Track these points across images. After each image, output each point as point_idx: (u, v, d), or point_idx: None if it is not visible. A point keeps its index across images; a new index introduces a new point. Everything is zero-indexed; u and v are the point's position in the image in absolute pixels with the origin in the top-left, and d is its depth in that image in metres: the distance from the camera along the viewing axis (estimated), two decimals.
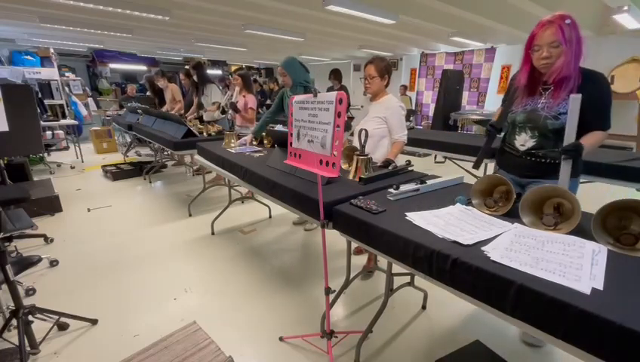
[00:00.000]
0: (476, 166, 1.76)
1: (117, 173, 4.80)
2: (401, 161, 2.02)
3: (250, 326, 1.89)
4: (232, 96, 4.28)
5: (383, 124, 2.12)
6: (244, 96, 3.59)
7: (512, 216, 1.22)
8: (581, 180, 2.32)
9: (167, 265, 2.54)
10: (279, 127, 3.31)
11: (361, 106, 2.31)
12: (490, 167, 3.58)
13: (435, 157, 5.81)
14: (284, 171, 1.89)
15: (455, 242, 1.04)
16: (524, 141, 1.50)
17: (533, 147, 1.47)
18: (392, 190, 1.48)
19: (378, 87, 2.11)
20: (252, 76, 3.97)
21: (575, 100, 1.22)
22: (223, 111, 3.90)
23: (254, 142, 2.83)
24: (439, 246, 1.03)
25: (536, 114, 1.44)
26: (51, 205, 3.48)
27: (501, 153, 1.67)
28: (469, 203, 1.34)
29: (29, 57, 7.74)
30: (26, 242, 2.82)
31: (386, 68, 2.09)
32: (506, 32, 5.58)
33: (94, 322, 1.89)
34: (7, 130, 2.48)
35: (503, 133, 1.68)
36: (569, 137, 1.28)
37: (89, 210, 3.62)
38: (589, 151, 1.33)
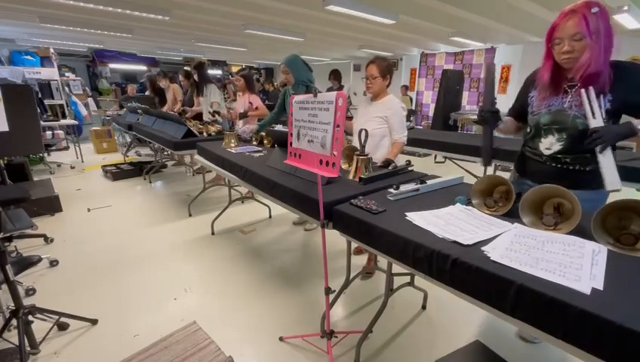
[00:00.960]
0: (487, 163, 1.57)
1: (117, 173, 4.80)
2: (401, 161, 2.02)
3: (250, 326, 1.89)
4: (228, 96, 4.28)
5: (384, 124, 2.12)
6: (248, 98, 3.60)
7: (512, 216, 1.22)
8: None
9: (167, 265, 2.54)
10: (279, 127, 3.31)
11: (357, 107, 2.29)
12: (490, 167, 3.60)
13: (435, 157, 5.81)
14: (284, 171, 1.89)
15: (455, 242, 1.04)
16: (550, 144, 1.35)
17: (560, 151, 1.32)
18: (392, 190, 1.48)
19: (380, 87, 2.11)
20: (253, 76, 3.97)
21: (586, 93, 1.17)
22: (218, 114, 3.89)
23: (254, 142, 2.83)
24: (439, 246, 1.03)
25: (563, 114, 1.30)
26: (51, 205, 3.48)
27: (522, 159, 1.52)
28: (469, 203, 1.34)
29: (29, 57, 7.74)
30: (26, 242, 2.82)
31: (387, 68, 2.09)
32: (506, 32, 5.58)
33: (94, 322, 1.89)
34: (7, 130, 2.48)
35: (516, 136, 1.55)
36: (590, 125, 1.17)
37: (89, 210, 3.62)
38: None
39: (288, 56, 2.62)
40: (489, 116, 1.43)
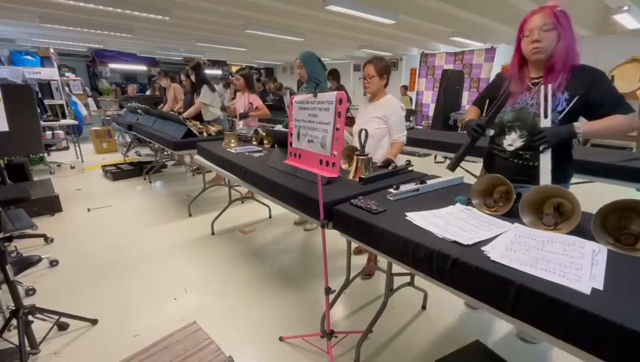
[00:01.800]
0: (452, 167, 1.58)
1: (117, 173, 4.80)
2: (401, 161, 2.02)
3: (250, 326, 1.89)
4: (227, 96, 4.28)
5: (384, 124, 2.12)
6: (248, 97, 3.60)
7: (512, 216, 1.22)
8: (581, 180, 2.35)
9: (167, 265, 2.54)
10: (279, 127, 3.32)
11: (357, 106, 2.30)
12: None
13: (435, 158, 5.81)
14: (284, 171, 1.89)
15: (455, 242, 1.04)
16: (512, 141, 1.42)
17: (521, 147, 1.39)
18: (392, 190, 1.48)
19: (377, 87, 2.11)
20: (253, 76, 3.97)
21: (543, 89, 1.22)
22: (224, 108, 3.90)
23: (254, 142, 2.83)
24: (439, 246, 1.03)
25: (525, 112, 1.37)
26: (51, 205, 3.48)
27: (488, 155, 1.59)
28: (469, 203, 1.34)
29: (29, 57, 7.75)
30: (26, 242, 2.82)
31: (385, 68, 2.09)
32: (506, 32, 5.58)
33: (94, 322, 1.89)
34: (7, 130, 2.48)
35: (489, 134, 1.59)
36: (542, 123, 1.24)
37: (89, 210, 3.62)
38: (599, 133, 1.25)
39: (304, 52, 2.64)
40: (480, 134, 1.47)
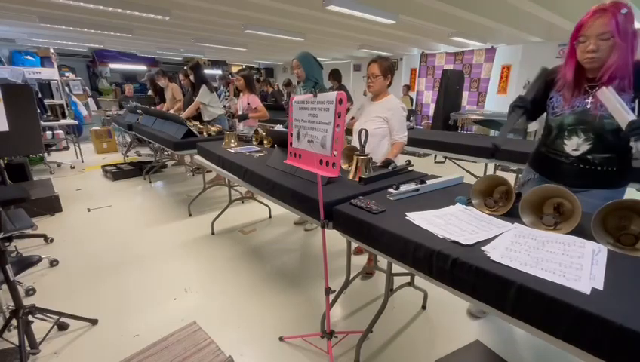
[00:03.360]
0: (501, 143, 1.53)
1: (117, 173, 4.80)
2: (401, 161, 2.02)
3: (250, 326, 1.89)
4: (227, 96, 4.30)
5: (385, 124, 2.12)
6: (247, 98, 3.62)
7: (512, 216, 1.22)
8: None
9: (167, 265, 2.54)
10: (279, 127, 3.32)
11: (360, 105, 2.31)
12: (490, 167, 3.60)
13: (435, 158, 5.81)
14: (284, 171, 1.89)
15: (455, 242, 1.04)
16: (576, 145, 1.33)
17: (588, 151, 1.31)
18: (392, 190, 1.48)
19: (381, 87, 2.11)
20: (254, 76, 3.98)
21: (608, 93, 1.15)
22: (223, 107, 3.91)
23: (254, 142, 2.83)
24: (439, 246, 1.03)
25: (589, 114, 1.28)
26: (51, 205, 3.48)
27: (541, 159, 1.50)
28: (469, 203, 1.34)
29: (29, 57, 7.74)
30: (26, 242, 2.82)
31: (389, 67, 2.09)
32: (506, 32, 5.58)
33: (94, 322, 1.89)
34: (7, 130, 2.48)
35: (514, 135, 1.55)
36: (623, 121, 1.15)
37: (89, 210, 3.62)
38: None
39: (301, 52, 2.65)
40: (523, 106, 1.44)
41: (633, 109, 1.20)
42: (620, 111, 1.17)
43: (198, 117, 4.16)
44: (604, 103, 1.18)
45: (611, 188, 1.17)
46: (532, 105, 1.48)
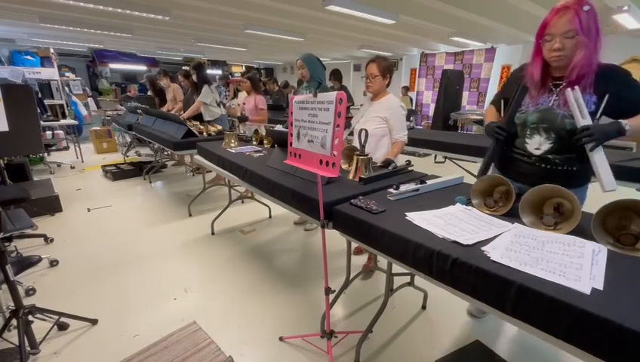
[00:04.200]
0: (483, 173, 1.50)
1: (117, 173, 4.80)
2: (401, 161, 2.02)
3: (250, 326, 1.89)
4: (227, 96, 4.31)
5: (384, 124, 2.12)
6: (255, 98, 3.68)
7: (512, 216, 1.22)
8: None
9: (167, 265, 2.54)
10: (279, 127, 3.32)
11: (361, 105, 2.33)
12: (490, 167, 3.60)
13: (435, 158, 5.80)
14: (284, 171, 1.89)
15: (455, 242, 1.04)
16: (538, 144, 1.33)
17: (550, 150, 1.31)
18: (392, 190, 1.48)
19: (380, 87, 2.11)
20: (258, 78, 4.03)
21: (571, 95, 1.18)
22: (223, 105, 3.96)
23: (254, 142, 2.83)
24: (439, 246, 1.03)
25: (552, 113, 1.28)
26: (51, 205, 3.48)
27: (506, 159, 1.48)
28: (469, 203, 1.34)
29: (29, 57, 7.75)
30: (26, 242, 2.82)
31: (388, 67, 2.09)
32: (505, 32, 5.58)
33: (94, 322, 1.89)
34: (7, 130, 2.48)
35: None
36: (578, 124, 1.17)
37: (89, 210, 3.62)
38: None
39: (304, 54, 2.69)
40: (505, 136, 1.41)
41: (593, 112, 1.22)
42: (577, 114, 1.19)
43: (198, 117, 4.16)
44: (569, 103, 1.20)
45: (572, 187, 1.16)
46: (499, 105, 1.52)
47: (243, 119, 3.63)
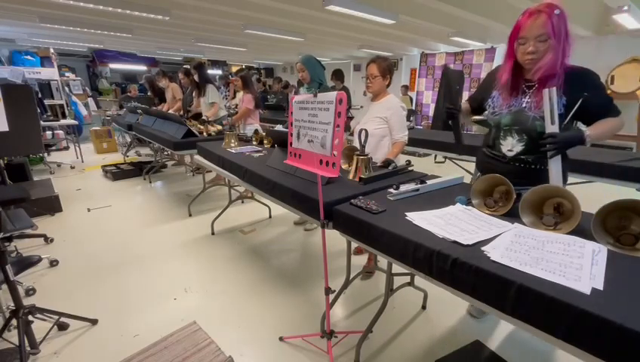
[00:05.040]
0: (459, 140, 1.64)
1: (117, 173, 4.80)
2: (401, 161, 2.02)
3: (250, 326, 1.89)
4: (227, 96, 4.33)
5: (384, 124, 2.12)
6: (243, 97, 3.67)
7: (512, 216, 1.22)
8: (581, 180, 2.34)
9: (167, 264, 2.54)
10: (279, 127, 3.32)
11: (361, 106, 2.33)
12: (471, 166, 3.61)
13: (435, 158, 5.81)
14: (284, 171, 1.89)
15: (455, 242, 1.04)
16: (511, 146, 1.38)
17: (522, 152, 1.36)
18: (392, 190, 1.48)
19: (380, 87, 2.11)
20: (252, 76, 4.02)
21: (548, 93, 1.18)
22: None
23: (254, 142, 2.84)
24: (439, 246, 1.03)
25: (523, 115, 1.32)
26: (51, 205, 3.48)
27: (483, 158, 1.55)
28: (469, 203, 1.34)
29: (29, 57, 7.75)
30: (26, 242, 2.82)
31: (388, 67, 2.09)
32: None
33: (94, 322, 1.89)
34: (7, 130, 2.48)
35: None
36: (547, 128, 1.21)
37: (89, 210, 3.62)
38: (601, 137, 1.22)
39: (304, 55, 2.71)
40: (454, 112, 1.53)
41: (562, 115, 1.24)
42: (548, 117, 1.21)
43: (198, 117, 4.16)
44: (544, 102, 1.20)
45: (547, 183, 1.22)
46: (474, 103, 1.60)
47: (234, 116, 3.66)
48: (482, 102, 1.53)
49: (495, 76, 1.45)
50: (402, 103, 2.15)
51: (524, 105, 1.32)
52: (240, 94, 3.86)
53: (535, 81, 1.29)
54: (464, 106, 1.66)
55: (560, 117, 1.23)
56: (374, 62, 2.07)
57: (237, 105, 4.44)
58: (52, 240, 2.87)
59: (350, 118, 2.53)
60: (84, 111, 7.85)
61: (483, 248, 1.00)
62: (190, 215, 3.48)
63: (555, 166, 1.26)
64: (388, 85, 2.14)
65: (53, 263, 2.50)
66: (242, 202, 3.68)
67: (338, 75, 4.72)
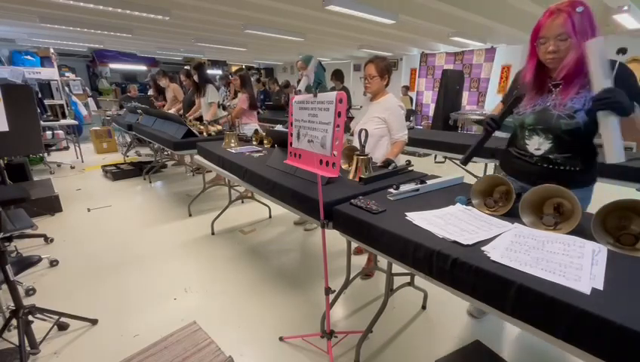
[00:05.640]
0: (465, 162, 1.57)
1: (117, 173, 4.80)
2: (401, 161, 2.02)
3: (250, 326, 1.89)
4: (228, 96, 4.33)
5: (382, 124, 2.12)
6: (241, 95, 3.67)
7: (512, 216, 1.22)
8: None
9: (167, 264, 2.54)
10: (279, 127, 3.33)
11: (360, 106, 2.33)
12: (490, 166, 3.60)
13: (435, 158, 5.81)
14: (284, 171, 1.89)
15: (455, 242, 1.04)
16: (538, 144, 1.34)
17: (550, 150, 1.32)
18: (392, 190, 1.48)
19: (378, 87, 2.11)
20: (252, 76, 4.02)
21: (593, 45, 1.05)
22: (224, 108, 3.97)
23: (254, 142, 2.84)
24: (439, 246, 1.03)
25: (547, 113, 1.28)
26: (51, 205, 3.48)
27: (508, 158, 1.51)
28: (469, 203, 1.34)
29: (29, 57, 7.75)
30: (26, 242, 2.82)
31: (386, 67, 2.08)
32: (506, 32, 5.58)
33: (94, 322, 1.89)
34: (7, 130, 2.48)
35: (506, 133, 1.55)
36: (597, 86, 1.08)
37: (89, 210, 3.62)
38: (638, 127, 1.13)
39: (305, 55, 2.71)
40: (494, 128, 1.45)
41: (588, 111, 1.16)
42: (599, 75, 1.08)
43: (198, 117, 4.17)
44: (588, 59, 1.11)
45: (576, 188, 1.15)
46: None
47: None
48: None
49: (519, 76, 1.43)
50: (401, 103, 2.15)
51: (549, 103, 1.29)
52: (240, 94, 3.86)
53: (560, 79, 1.25)
54: (499, 108, 1.62)
55: (588, 112, 1.18)
56: (372, 62, 2.07)
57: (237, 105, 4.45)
58: (52, 240, 2.87)
59: (350, 119, 2.52)
60: (84, 111, 7.85)
61: (483, 248, 1.00)
62: (190, 215, 3.48)
63: (613, 129, 1.08)
64: (386, 85, 2.14)
65: (53, 263, 2.50)
66: (242, 202, 3.67)
67: (338, 75, 4.72)
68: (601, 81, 1.09)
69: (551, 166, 1.34)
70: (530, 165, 1.39)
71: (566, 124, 1.24)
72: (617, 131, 1.09)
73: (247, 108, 3.63)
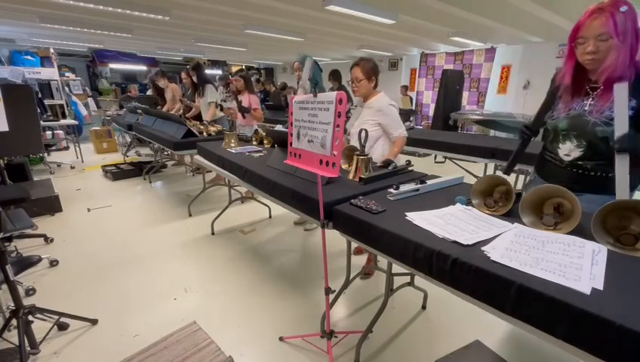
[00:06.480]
0: (508, 172, 1.54)
1: (117, 173, 4.80)
2: (401, 161, 2.02)
3: (250, 326, 1.89)
4: (228, 96, 4.32)
5: (377, 126, 2.11)
6: (248, 98, 3.66)
7: (512, 216, 1.22)
8: None
9: (167, 264, 2.54)
10: (279, 127, 3.32)
11: (355, 106, 2.33)
12: (490, 166, 3.61)
13: (435, 158, 5.81)
14: (284, 171, 1.89)
15: (455, 242, 1.04)
16: (568, 150, 1.30)
17: (580, 157, 1.27)
18: (392, 190, 1.48)
19: (366, 90, 2.09)
20: (252, 76, 4.02)
21: (621, 89, 1.06)
22: (221, 108, 3.96)
23: (254, 142, 2.84)
24: (439, 246, 1.03)
25: (582, 119, 1.23)
26: (51, 205, 3.48)
27: (542, 161, 1.47)
28: (469, 203, 1.34)
29: (29, 57, 7.75)
30: (26, 242, 2.82)
31: (372, 69, 2.06)
32: (505, 32, 5.58)
33: (94, 322, 1.89)
34: (7, 130, 2.48)
35: (539, 138, 1.51)
36: (620, 128, 1.08)
37: (89, 210, 3.62)
38: None
39: (302, 56, 2.71)
40: (529, 136, 1.46)
41: (631, 118, 1.14)
42: (621, 117, 1.10)
43: (198, 117, 4.17)
44: (614, 99, 1.10)
45: (607, 193, 1.13)
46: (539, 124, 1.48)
47: (246, 110, 3.58)
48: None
49: (556, 80, 1.37)
50: (391, 101, 2.12)
51: (585, 108, 1.24)
52: (246, 95, 3.84)
53: (600, 83, 1.20)
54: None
55: (630, 120, 1.12)
56: (357, 65, 2.03)
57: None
58: (52, 240, 2.87)
59: (349, 118, 2.52)
60: (84, 111, 7.85)
61: (483, 248, 1.00)
62: (190, 215, 3.48)
63: (622, 165, 1.11)
64: (375, 86, 2.12)
65: (53, 263, 2.50)
66: (242, 202, 3.67)
67: (335, 75, 4.73)
68: (623, 124, 1.10)
69: (580, 171, 1.30)
70: (560, 169, 1.36)
71: (602, 131, 1.19)
72: (623, 172, 1.12)
73: (259, 108, 3.66)
